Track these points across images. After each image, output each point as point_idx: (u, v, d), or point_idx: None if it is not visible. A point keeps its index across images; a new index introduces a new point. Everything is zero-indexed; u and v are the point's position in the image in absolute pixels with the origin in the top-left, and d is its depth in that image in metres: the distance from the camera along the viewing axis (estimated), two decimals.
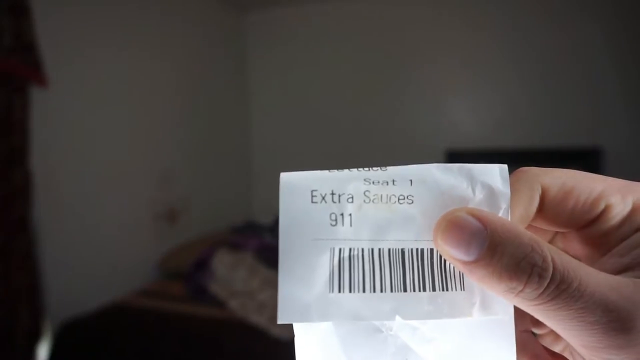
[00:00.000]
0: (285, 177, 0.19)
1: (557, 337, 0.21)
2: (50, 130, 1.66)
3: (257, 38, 3.04)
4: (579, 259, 0.19)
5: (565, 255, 0.17)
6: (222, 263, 1.94)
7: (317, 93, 2.94)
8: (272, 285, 1.88)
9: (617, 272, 0.17)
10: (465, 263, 0.17)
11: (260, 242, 2.34)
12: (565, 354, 0.21)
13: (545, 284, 0.16)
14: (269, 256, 2.17)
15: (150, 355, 1.55)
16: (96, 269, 1.85)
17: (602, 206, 0.19)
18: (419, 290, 0.18)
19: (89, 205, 1.83)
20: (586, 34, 2.36)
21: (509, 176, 0.19)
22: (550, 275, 0.16)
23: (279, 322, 0.18)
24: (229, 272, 1.90)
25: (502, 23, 2.53)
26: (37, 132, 1.57)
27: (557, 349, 0.22)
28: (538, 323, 0.21)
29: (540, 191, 0.19)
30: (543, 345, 0.22)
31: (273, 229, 2.65)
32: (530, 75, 2.50)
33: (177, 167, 2.38)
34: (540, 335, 0.22)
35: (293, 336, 0.19)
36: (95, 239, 1.86)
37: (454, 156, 2.63)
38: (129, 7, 2.03)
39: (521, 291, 0.16)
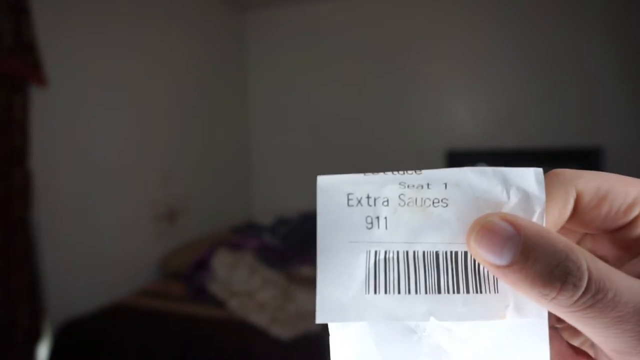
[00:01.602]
0: (322, 180, 0.20)
1: (575, 331, 0.21)
2: (50, 130, 1.66)
3: (257, 38, 3.04)
4: (607, 260, 0.19)
5: (601, 263, 0.17)
6: (222, 263, 1.94)
7: (317, 93, 2.94)
8: (272, 285, 1.88)
9: None
10: (498, 267, 0.17)
11: (260, 242, 2.34)
12: (585, 348, 0.21)
13: (580, 293, 0.16)
14: (268, 256, 2.17)
15: (150, 355, 1.55)
16: (96, 269, 1.85)
17: (636, 212, 0.19)
18: (453, 292, 0.19)
19: (89, 205, 1.83)
20: (586, 34, 2.36)
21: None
22: (585, 284, 0.16)
23: (318, 321, 0.19)
24: (228, 272, 1.90)
25: (502, 23, 2.53)
26: (37, 132, 1.57)
27: (576, 342, 0.22)
28: (560, 319, 0.21)
29: (574, 195, 0.19)
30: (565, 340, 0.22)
31: (273, 229, 2.65)
32: (530, 75, 2.50)
33: (177, 168, 2.38)
34: (559, 328, 0.22)
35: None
36: (95, 239, 1.86)
37: (454, 156, 2.64)
38: (129, 7, 2.03)
39: (554, 298, 0.16)
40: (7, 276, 1.47)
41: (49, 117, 1.64)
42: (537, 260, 0.16)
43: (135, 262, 2.10)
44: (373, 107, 2.81)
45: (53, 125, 1.68)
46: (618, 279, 0.16)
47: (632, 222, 0.19)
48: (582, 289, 0.16)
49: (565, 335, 0.22)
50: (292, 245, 2.42)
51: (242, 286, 1.84)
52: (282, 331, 1.54)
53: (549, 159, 2.49)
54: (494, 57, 2.56)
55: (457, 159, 2.63)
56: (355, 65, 2.82)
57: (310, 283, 1.96)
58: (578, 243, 0.22)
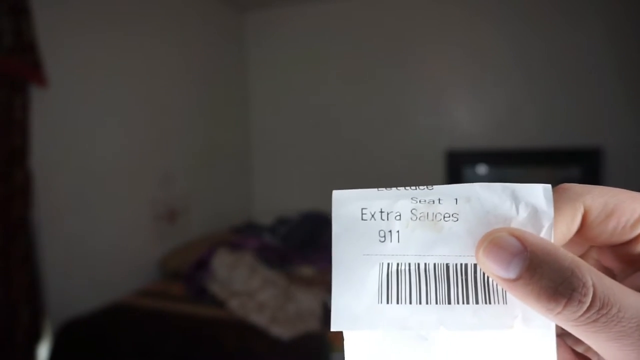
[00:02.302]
0: (337, 195, 0.20)
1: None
2: (50, 130, 1.66)
3: (257, 38, 3.04)
4: (612, 272, 0.20)
5: (606, 279, 0.17)
6: (222, 263, 1.94)
7: (317, 92, 2.94)
8: (272, 285, 1.88)
9: None
10: (505, 280, 0.18)
11: (260, 242, 2.34)
12: (589, 355, 0.22)
13: (585, 308, 0.17)
14: (268, 256, 2.17)
15: (150, 355, 1.55)
16: (96, 269, 1.85)
17: None
18: (463, 303, 0.19)
19: (89, 205, 1.83)
20: (586, 33, 2.36)
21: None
22: (589, 300, 0.17)
23: (333, 329, 0.20)
24: (228, 272, 1.90)
25: (502, 23, 2.53)
26: (37, 132, 1.57)
27: (580, 349, 0.22)
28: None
29: (582, 210, 0.19)
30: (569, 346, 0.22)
31: (273, 229, 2.65)
32: (530, 75, 2.50)
33: (177, 168, 2.38)
34: (563, 335, 0.23)
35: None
36: (95, 239, 1.86)
37: (454, 156, 2.64)
38: (129, 7, 2.03)
39: (559, 312, 0.17)
40: (7, 276, 1.47)
41: (49, 117, 1.65)
42: (543, 276, 0.17)
43: (135, 262, 2.10)
44: (373, 106, 2.81)
45: (53, 125, 1.68)
46: (622, 295, 0.17)
47: (637, 238, 0.20)
48: (587, 305, 0.17)
49: (570, 342, 0.22)
50: (292, 245, 2.42)
51: (242, 286, 1.84)
52: (282, 331, 1.54)
53: (549, 159, 2.49)
54: (494, 57, 2.56)
55: (457, 158, 2.63)
56: (355, 65, 2.82)
57: (310, 283, 1.96)
58: (584, 255, 0.22)
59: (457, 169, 2.64)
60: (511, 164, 2.61)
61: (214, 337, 1.57)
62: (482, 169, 2.66)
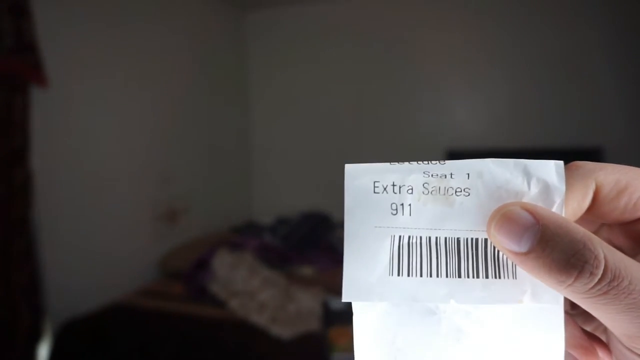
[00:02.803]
0: (349, 168, 0.21)
1: (588, 316, 0.22)
2: (50, 130, 1.66)
3: (257, 37, 3.04)
4: (622, 250, 0.20)
5: (617, 252, 0.18)
6: (223, 263, 1.94)
7: (317, 93, 2.94)
8: (272, 285, 1.88)
9: None
10: (516, 254, 0.18)
11: (260, 242, 2.34)
12: (597, 333, 0.22)
13: (596, 280, 0.17)
14: (268, 256, 2.17)
15: (150, 355, 1.55)
16: (96, 269, 1.85)
17: None
18: (473, 277, 0.20)
19: (89, 205, 1.83)
20: (586, 34, 2.36)
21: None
22: (601, 272, 0.17)
23: (344, 300, 0.20)
24: (229, 272, 1.90)
25: (503, 23, 2.53)
26: (37, 132, 1.57)
27: (589, 328, 0.23)
28: (573, 305, 0.22)
29: (594, 187, 0.19)
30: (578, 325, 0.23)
31: (273, 229, 2.65)
32: (530, 75, 2.50)
33: (177, 167, 2.38)
34: (573, 314, 0.23)
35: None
36: (95, 238, 1.86)
37: (455, 156, 2.62)
38: (129, 7, 2.03)
39: (570, 285, 0.17)
40: (8, 276, 1.47)
41: (49, 117, 1.65)
42: (555, 249, 0.17)
43: (135, 261, 2.10)
44: (373, 106, 2.81)
45: (53, 125, 1.68)
46: (633, 268, 0.17)
47: None
48: (598, 277, 0.17)
49: (579, 321, 0.22)
50: (292, 245, 2.42)
51: (242, 286, 1.84)
52: (282, 331, 1.54)
53: (549, 159, 2.49)
54: (494, 57, 2.56)
55: (458, 158, 2.61)
56: (355, 64, 2.82)
57: (310, 283, 1.96)
58: (595, 232, 0.22)
59: None
60: None
61: (214, 337, 1.57)
62: None
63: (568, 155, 2.41)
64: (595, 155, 2.36)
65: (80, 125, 1.80)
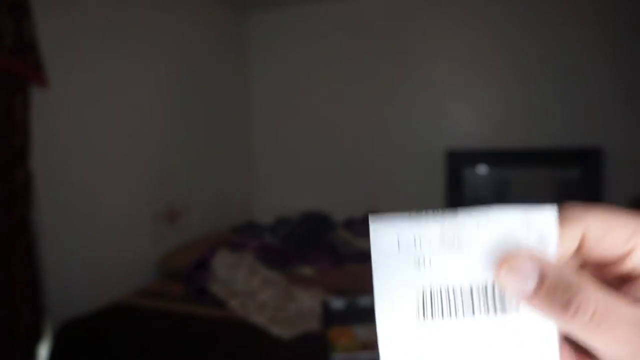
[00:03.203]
0: (375, 225, 0.24)
1: None
2: (50, 130, 1.66)
3: (258, 39, 3.04)
4: (608, 282, 0.24)
5: (606, 293, 0.21)
6: (223, 263, 1.94)
7: (317, 93, 2.94)
8: (272, 285, 1.88)
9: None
10: (524, 297, 0.22)
11: (260, 242, 2.34)
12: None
13: (588, 319, 0.21)
14: (269, 256, 2.17)
15: (150, 355, 1.55)
16: (96, 268, 1.85)
17: (629, 246, 0.23)
18: (486, 314, 0.23)
19: (89, 205, 1.84)
20: (586, 34, 2.36)
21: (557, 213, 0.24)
22: (591, 313, 0.21)
23: (381, 358, 0.24)
24: (229, 272, 1.90)
25: (502, 23, 2.53)
26: (37, 132, 1.57)
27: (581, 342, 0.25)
28: None
29: (582, 232, 0.24)
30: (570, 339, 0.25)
31: (273, 229, 2.66)
32: (530, 75, 2.50)
33: (178, 167, 2.38)
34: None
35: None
36: (95, 239, 1.86)
37: (454, 156, 2.64)
38: (129, 7, 2.03)
39: (567, 321, 0.21)
40: (8, 276, 1.47)
41: (49, 117, 1.65)
42: (556, 293, 0.21)
43: (135, 262, 2.10)
44: (373, 107, 2.81)
45: (53, 125, 1.68)
46: (619, 306, 0.21)
47: (627, 254, 0.23)
48: (590, 315, 0.21)
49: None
50: (292, 245, 2.42)
51: (243, 286, 1.84)
52: (282, 331, 1.54)
53: (549, 159, 2.49)
54: (494, 58, 2.56)
55: (458, 158, 2.63)
56: (355, 65, 2.82)
57: (310, 283, 1.96)
58: (584, 265, 0.26)
59: (458, 169, 2.64)
60: (511, 164, 2.61)
61: (213, 337, 1.57)
62: (482, 169, 2.66)
63: (568, 155, 2.42)
64: (595, 155, 2.36)
65: (80, 125, 1.80)
